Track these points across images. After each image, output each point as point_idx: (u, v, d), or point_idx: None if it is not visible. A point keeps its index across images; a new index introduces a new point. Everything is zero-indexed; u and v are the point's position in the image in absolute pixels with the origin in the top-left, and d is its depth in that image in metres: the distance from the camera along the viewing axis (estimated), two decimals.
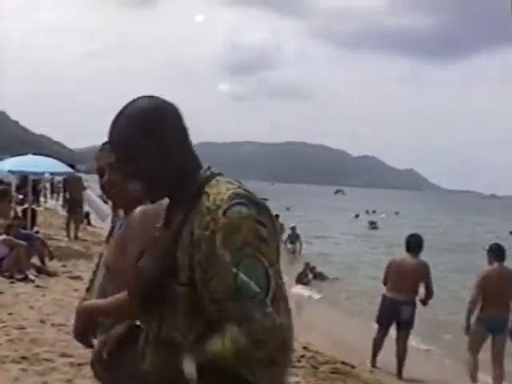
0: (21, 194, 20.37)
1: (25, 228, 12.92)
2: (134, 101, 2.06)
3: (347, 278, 18.62)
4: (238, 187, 1.92)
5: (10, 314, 8.05)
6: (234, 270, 1.79)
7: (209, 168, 2.04)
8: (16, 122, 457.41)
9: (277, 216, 17.03)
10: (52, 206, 26.15)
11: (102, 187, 2.88)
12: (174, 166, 2.00)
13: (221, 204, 1.86)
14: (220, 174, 2.01)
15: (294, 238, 23.60)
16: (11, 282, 10.13)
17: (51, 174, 20.04)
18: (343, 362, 8.33)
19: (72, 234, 16.96)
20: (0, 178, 20.58)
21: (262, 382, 1.82)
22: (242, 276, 1.79)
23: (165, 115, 2.01)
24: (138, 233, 2.54)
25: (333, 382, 7.31)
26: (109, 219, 23.39)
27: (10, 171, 18.97)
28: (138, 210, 2.67)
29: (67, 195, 18.80)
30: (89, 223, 21.22)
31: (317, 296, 14.35)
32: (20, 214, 14.12)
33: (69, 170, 18.12)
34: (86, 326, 2.73)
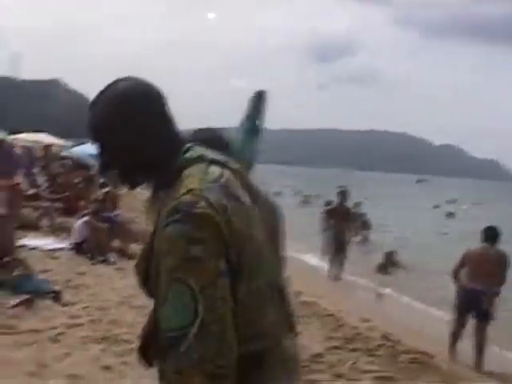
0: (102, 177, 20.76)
1: (106, 211, 13.17)
2: (115, 82, 1.99)
3: (422, 267, 18.27)
4: (188, 191, 1.80)
5: (92, 294, 8.22)
6: (165, 292, 1.75)
7: (189, 147, 1.97)
8: None
9: (357, 204, 16.77)
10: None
11: None
12: (151, 151, 1.94)
13: (165, 216, 1.79)
14: (197, 160, 1.93)
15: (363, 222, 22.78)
16: (92, 264, 10.37)
17: None
18: (422, 352, 8.15)
19: None
20: (83, 161, 21.07)
21: None
22: (167, 306, 1.74)
23: (145, 98, 1.93)
24: None
25: (411, 371, 7.16)
26: None
27: (91, 155, 19.44)
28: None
29: None
30: None
31: (386, 290, 14.16)
32: (101, 197, 14.37)
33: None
34: None
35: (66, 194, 15.14)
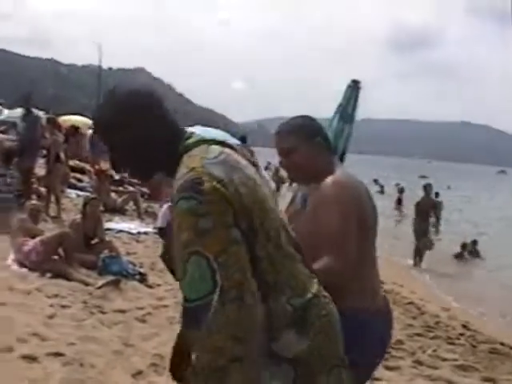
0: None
1: None
2: (117, 86, 2.11)
3: (496, 258, 17.76)
4: (191, 170, 1.90)
5: None
6: (183, 267, 1.84)
7: (190, 135, 2.08)
8: (181, 95, 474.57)
9: (437, 194, 16.60)
10: None
11: (286, 166, 2.99)
12: (155, 144, 2.05)
13: (174, 196, 1.90)
14: (199, 143, 2.04)
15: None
16: None
17: None
18: (502, 343, 8.00)
19: None
20: None
21: (230, 380, 1.83)
22: (188, 278, 1.83)
23: (145, 98, 2.04)
24: (331, 200, 2.65)
25: (491, 361, 7.03)
26: None
27: None
28: (331, 180, 2.73)
29: None
30: None
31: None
32: None
33: (238, 142, 18.58)
34: None
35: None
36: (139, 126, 2.02)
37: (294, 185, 3.24)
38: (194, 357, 1.87)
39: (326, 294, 2.15)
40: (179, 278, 1.90)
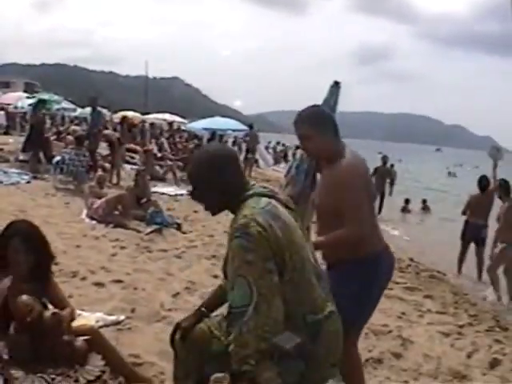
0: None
1: None
2: (206, 147, 2.27)
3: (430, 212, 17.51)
4: (244, 216, 1.95)
5: (203, 226, 8.26)
6: (232, 283, 1.93)
7: (250, 188, 2.11)
8: (205, 96, 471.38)
9: (392, 165, 16.31)
10: None
11: (304, 149, 2.93)
12: (226, 193, 2.09)
13: (231, 233, 1.98)
14: (253, 195, 2.06)
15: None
16: None
17: (233, 130, 20.42)
18: (438, 271, 8.01)
19: (247, 174, 17.20)
20: (196, 133, 21.31)
21: (260, 377, 1.87)
22: (234, 292, 1.91)
23: (224, 159, 2.09)
24: (348, 181, 2.56)
25: (430, 283, 7.05)
26: (270, 165, 23.49)
27: (203, 128, 19.63)
28: (345, 164, 2.62)
29: (245, 146, 19.06)
30: (257, 166, 21.44)
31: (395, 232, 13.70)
32: None
33: (247, 128, 18.50)
34: None
35: (185, 155, 15.37)
36: (217, 178, 2.06)
37: (290, 158, 3.20)
38: (230, 348, 1.91)
39: (336, 311, 2.14)
40: (228, 288, 1.97)
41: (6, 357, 2.38)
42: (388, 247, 2.81)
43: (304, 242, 2.08)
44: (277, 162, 24.69)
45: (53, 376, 2.33)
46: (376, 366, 3.80)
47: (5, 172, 10.69)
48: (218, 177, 2.05)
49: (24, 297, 2.50)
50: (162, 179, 12.93)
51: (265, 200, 2.03)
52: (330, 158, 2.67)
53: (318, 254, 2.74)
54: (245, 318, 1.86)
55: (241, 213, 1.99)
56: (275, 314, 1.89)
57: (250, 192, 2.07)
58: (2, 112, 24.21)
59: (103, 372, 2.60)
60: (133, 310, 4.26)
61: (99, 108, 12.25)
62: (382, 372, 3.69)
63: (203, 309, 2.42)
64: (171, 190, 11.61)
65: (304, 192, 4.02)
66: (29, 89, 31.61)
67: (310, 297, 2.02)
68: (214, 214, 2.18)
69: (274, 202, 2.05)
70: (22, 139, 12.74)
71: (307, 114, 2.73)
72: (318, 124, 2.68)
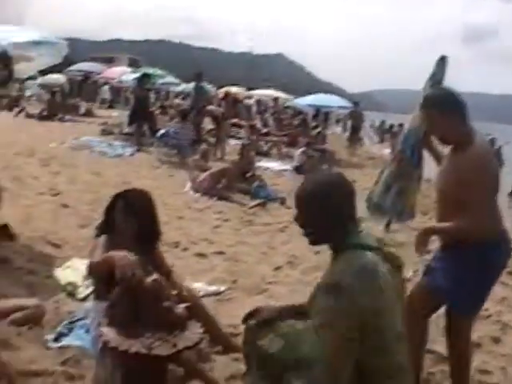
0: (315, 121, 20.71)
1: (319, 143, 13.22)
2: (320, 176, 2.14)
3: None
4: (342, 272, 1.90)
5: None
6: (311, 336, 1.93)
7: (356, 233, 2.03)
8: (309, 74, 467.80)
9: (500, 147, 15.17)
10: (337, 131, 26.27)
11: (430, 132, 2.96)
12: (331, 227, 2.02)
13: (319, 286, 1.94)
14: (357, 246, 1.98)
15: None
16: None
17: (338, 107, 20.06)
18: None
19: (351, 152, 16.82)
20: (301, 109, 21.16)
21: None
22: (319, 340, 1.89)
23: (334, 192, 2.01)
24: (476, 171, 2.52)
25: None
26: (375, 143, 22.87)
27: (308, 105, 19.47)
28: (475, 154, 2.56)
29: (350, 123, 18.65)
30: (362, 145, 20.85)
31: None
32: (315, 135, 14.41)
33: (351, 105, 18.10)
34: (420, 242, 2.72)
35: (290, 131, 15.34)
36: (316, 209, 2.01)
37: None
38: None
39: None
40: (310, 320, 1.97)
41: (106, 320, 2.46)
42: (506, 232, 2.74)
43: (394, 305, 1.99)
44: (382, 140, 23.99)
45: (151, 340, 2.37)
46: (474, 350, 3.65)
47: (110, 144, 11.36)
48: (318, 207, 2.00)
49: (126, 260, 2.56)
50: (266, 154, 13.05)
51: (366, 257, 1.95)
52: (458, 143, 2.64)
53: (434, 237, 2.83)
54: (314, 372, 1.90)
55: (338, 265, 1.96)
56: (343, 374, 1.88)
57: (355, 241, 2.00)
58: (107, 86, 25.65)
59: (201, 340, 2.61)
60: (234, 282, 4.33)
61: (203, 83, 12.49)
62: (481, 356, 3.62)
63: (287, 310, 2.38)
64: (276, 165, 11.67)
65: (409, 168, 3.83)
66: (133, 64, 32.93)
67: (385, 362, 1.95)
68: (311, 243, 2.12)
69: (376, 259, 1.97)
70: (126, 113, 13.40)
71: (434, 96, 2.72)
72: (445, 107, 2.64)
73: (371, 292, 1.90)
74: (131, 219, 2.88)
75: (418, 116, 3.48)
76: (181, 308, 2.59)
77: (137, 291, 2.49)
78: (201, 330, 2.57)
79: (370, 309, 1.88)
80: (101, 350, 2.51)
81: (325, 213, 2.00)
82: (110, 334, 2.38)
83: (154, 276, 2.58)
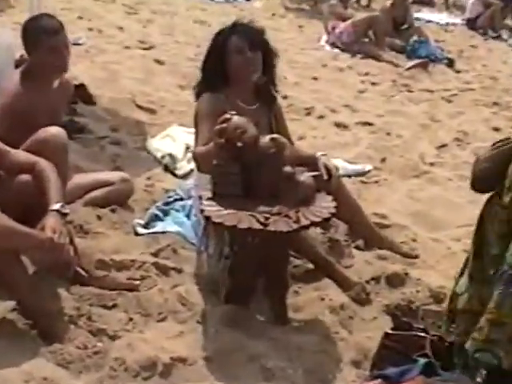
0: None
1: None
2: None
3: None
4: None
5: (484, 65, 7.81)
6: None
7: None
8: None
9: None
10: None
11: None
12: None
13: None
14: None
15: None
16: (485, 39, 9.63)
17: None
18: None
19: None
20: None
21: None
22: None
23: None
24: None
25: None
26: None
27: None
28: None
29: None
30: None
31: None
32: None
33: None
34: None
35: None
36: None
37: None
38: None
39: None
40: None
41: (209, 192, 2.33)
42: None
43: None
44: None
45: (267, 215, 2.21)
46: None
47: None
48: None
49: (236, 117, 2.35)
50: (429, 3, 12.31)
51: None
52: None
53: None
54: None
55: None
56: None
57: None
58: None
59: (332, 215, 2.39)
60: (383, 160, 4.25)
61: None
62: None
63: None
64: (441, 17, 11.09)
65: None
66: None
67: None
68: None
69: None
70: None
71: None
72: None
73: None
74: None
75: None
76: (307, 176, 2.40)
77: (249, 154, 2.30)
78: (333, 204, 2.35)
79: None
80: (203, 233, 2.40)
81: None
82: (213, 207, 2.22)
83: (271, 135, 2.39)
